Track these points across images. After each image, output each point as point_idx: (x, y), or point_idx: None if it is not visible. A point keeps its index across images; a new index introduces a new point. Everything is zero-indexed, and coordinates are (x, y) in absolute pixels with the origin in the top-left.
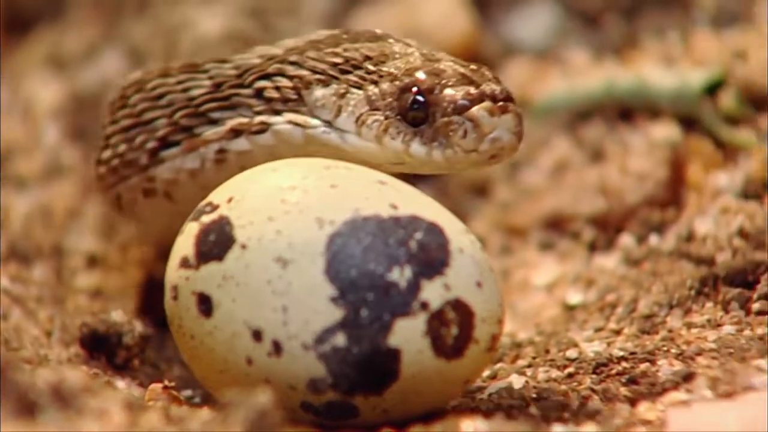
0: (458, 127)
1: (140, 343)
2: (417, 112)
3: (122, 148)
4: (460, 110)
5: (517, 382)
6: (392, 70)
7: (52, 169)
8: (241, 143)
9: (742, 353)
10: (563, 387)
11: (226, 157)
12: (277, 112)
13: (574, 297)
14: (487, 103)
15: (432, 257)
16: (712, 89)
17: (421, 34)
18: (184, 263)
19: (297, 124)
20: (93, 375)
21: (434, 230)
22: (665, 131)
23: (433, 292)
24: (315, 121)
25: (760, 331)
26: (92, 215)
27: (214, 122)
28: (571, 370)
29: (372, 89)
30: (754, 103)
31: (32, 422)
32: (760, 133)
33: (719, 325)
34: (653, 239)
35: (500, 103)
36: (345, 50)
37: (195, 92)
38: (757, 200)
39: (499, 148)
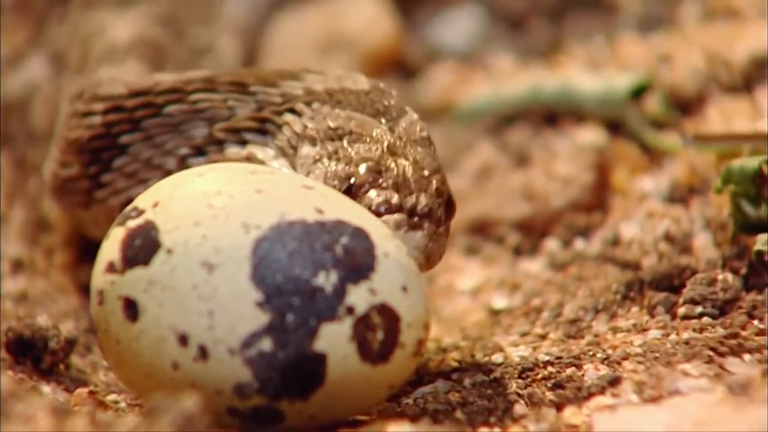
0: None
1: (66, 348)
2: None
3: (147, 153)
4: (375, 215)
5: (442, 386)
6: (353, 153)
7: None
8: None
9: (667, 358)
10: (489, 391)
11: None
12: (283, 153)
13: (500, 301)
14: (398, 216)
15: (358, 262)
16: (638, 93)
17: (345, 39)
18: (110, 268)
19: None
20: (19, 380)
21: (360, 235)
22: (591, 135)
23: (358, 297)
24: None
25: (685, 335)
26: (18, 220)
27: (244, 143)
28: (496, 374)
29: (332, 166)
30: (680, 107)
31: None
32: (686, 137)
33: (645, 330)
34: (579, 244)
35: (415, 219)
36: (343, 117)
37: (239, 111)
38: (682, 204)
39: None
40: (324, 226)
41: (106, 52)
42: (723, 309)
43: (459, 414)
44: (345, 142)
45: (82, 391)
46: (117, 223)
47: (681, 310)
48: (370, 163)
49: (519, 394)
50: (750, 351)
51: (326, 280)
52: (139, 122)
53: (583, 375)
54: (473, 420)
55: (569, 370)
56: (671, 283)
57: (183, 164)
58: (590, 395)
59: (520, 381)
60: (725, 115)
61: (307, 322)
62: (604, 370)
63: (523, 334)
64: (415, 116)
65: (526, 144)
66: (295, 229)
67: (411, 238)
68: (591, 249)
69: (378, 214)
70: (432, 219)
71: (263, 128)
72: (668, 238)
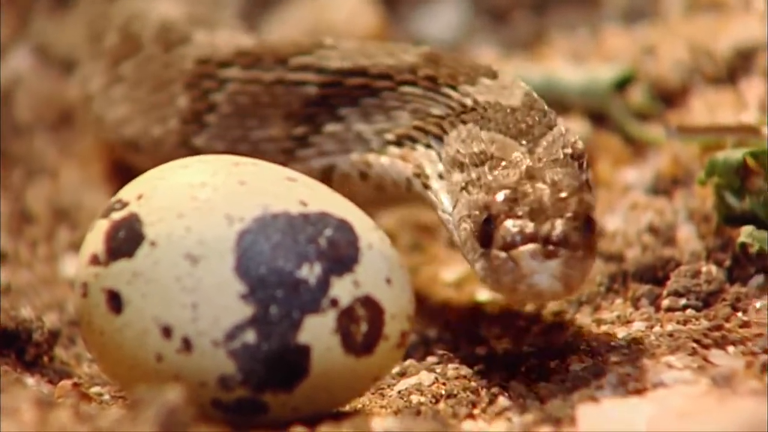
0: (503, 263)
1: (50, 340)
2: (484, 233)
3: (360, 127)
4: (509, 246)
5: (426, 378)
6: (491, 179)
7: None
8: None
9: (651, 350)
10: (473, 384)
11: None
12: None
13: (484, 294)
14: (532, 246)
15: (341, 254)
16: (622, 85)
17: (331, 31)
18: (94, 260)
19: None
20: (2, 372)
21: (344, 227)
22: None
23: (342, 289)
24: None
25: (669, 327)
26: (1, 212)
27: (427, 146)
28: (480, 367)
29: (474, 194)
30: (664, 98)
31: None
32: (670, 128)
33: (629, 322)
34: None
35: (549, 247)
36: (486, 140)
37: (433, 110)
38: (666, 196)
39: (536, 292)
40: (308, 219)
41: (165, 28)
42: (707, 301)
43: (443, 406)
44: (486, 168)
45: (66, 383)
46: (101, 215)
47: (665, 302)
48: (507, 191)
49: (503, 387)
50: (734, 343)
51: (310, 272)
52: (357, 99)
53: (566, 367)
54: (457, 413)
55: (553, 363)
56: (655, 275)
57: (383, 148)
58: (574, 387)
59: (504, 373)
60: (709, 107)
61: (291, 314)
62: (588, 362)
63: (507, 327)
64: (562, 130)
65: None
66: (279, 221)
67: (547, 267)
68: None
69: (514, 245)
70: (568, 245)
71: (440, 136)
72: (652, 229)
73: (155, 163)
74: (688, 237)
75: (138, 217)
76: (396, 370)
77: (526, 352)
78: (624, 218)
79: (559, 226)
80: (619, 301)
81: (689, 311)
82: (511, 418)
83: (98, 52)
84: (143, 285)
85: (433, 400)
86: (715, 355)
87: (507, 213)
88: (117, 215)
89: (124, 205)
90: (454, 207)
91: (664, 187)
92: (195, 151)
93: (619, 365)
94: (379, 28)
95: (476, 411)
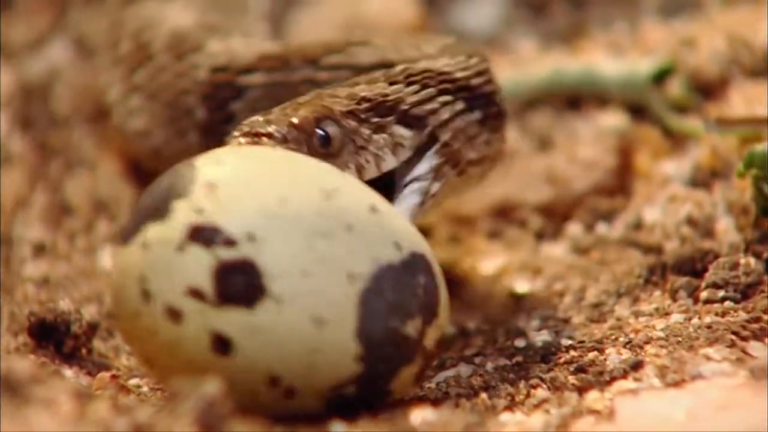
0: None
1: (88, 332)
2: None
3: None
4: None
5: (465, 371)
6: None
7: (0, 158)
8: None
9: (690, 342)
10: (511, 376)
11: None
12: None
13: (522, 286)
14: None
15: (432, 302)
16: (661, 77)
17: (367, 23)
18: (196, 295)
19: None
20: (41, 364)
21: (429, 268)
22: (613, 119)
23: (431, 336)
24: None
25: (708, 319)
26: (40, 204)
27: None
28: (519, 359)
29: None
30: (702, 91)
31: None
32: (708, 121)
33: (667, 314)
34: (601, 228)
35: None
36: None
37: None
38: (705, 188)
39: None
40: (407, 268)
41: (176, 37)
42: (745, 293)
43: (481, 398)
44: None
45: (105, 375)
46: (190, 236)
47: (703, 294)
48: None
49: (541, 378)
50: None
51: (413, 327)
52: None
53: (605, 359)
54: (495, 405)
55: (591, 354)
56: (693, 267)
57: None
58: (612, 379)
59: (542, 365)
60: (748, 99)
61: (392, 368)
62: (626, 355)
63: (546, 318)
64: None
65: (548, 128)
66: (389, 275)
67: None
68: (614, 233)
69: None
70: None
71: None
72: (691, 222)
73: None
74: (726, 229)
75: (256, 267)
76: (435, 362)
77: (565, 344)
78: (663, 210)
79: (271, 120)
80: (657, 293)
81: (727, 303)
82: (549, 411)
83: (115, 59)
84: (260, 337)
85: (472, 392)
86: (753, 347)
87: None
88: (227, 255)
89: (232, 243)
90: None
91: (702, 180)
92: None
93: (657, 357)
94: (419, 20)
95: (514, 403)
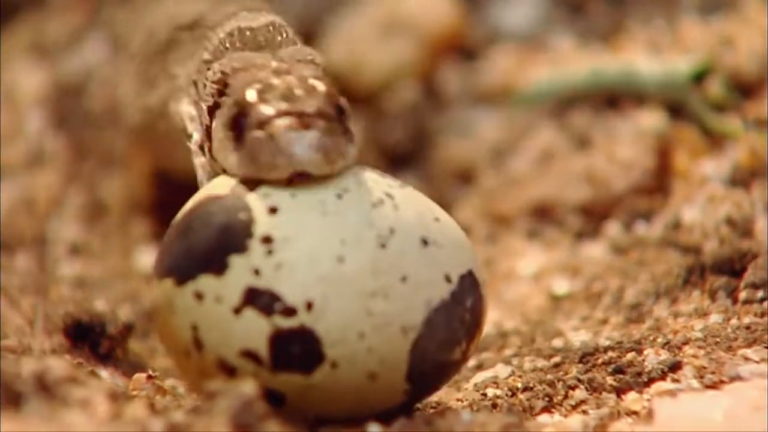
0: (259, 141)
1: (123, 333)
2: (237, 128)
3: None
4: (263, 124)
5: (503, 371)
6: (237, 83)
7: (34, 157)
8: None
9: (728, 342)
10: (549, 377)
11: None
12: None
13: (561, 286)
14: (287, 119)
15: (477, 318)
16: (699, 77)
17: (405, 22)
18: (250, 356)
19: None
20: (77, 365)
21: (476, 287)
22: (652, 119)
23: (472, 349)
24: None
25: (746, 320)
26: (75, 204)
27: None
28: (557, 359)
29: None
30: (741, 90)
31: (17, 413)
32: (747, 120)
33: (706, 314)
34: (640, 227)
35: (305, 119)
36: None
37: None
38: (744, 188)
39: (296, 164)
40: (456, 298)
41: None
42: None
43: (519, 399)
44: (232, 79)
45: (141, 375)
46: (246, 301)
47: (742, 295)
48: (256, 85)
49: (579, 379)
50: None
51: (460, 352)
52: None
53: (643, 360)
54: (533, 405)
55: (630, 355)
56: (732, 267)
57: None
58: (651, 380)
59: (580, 366)
60: None
61: (436, 387)
62: (664, 355)
63: (584, 319)
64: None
65: (587, 127)
66: (440, 315)
67: (304, 137)
68: (652, 233)
69: (269, 122)
70: (323, 117)
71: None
72: (729, 221)
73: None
74: (765, 229)
75: (315, 335)
76: (472, 362)
77: (603, 344)
78: (702, 210)
79: (311, 101)
80: (696, 293)
81: (766, 303)
82: (587, 411)
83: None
84: (315, 393)
85: (509, 393)
86: None
87: (258, 102)
88: (284, 324)
89: (290, 311)
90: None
91: (741, 179)
92: None
93: (695, 358)
94: (457, 19)
95: (552, 404)
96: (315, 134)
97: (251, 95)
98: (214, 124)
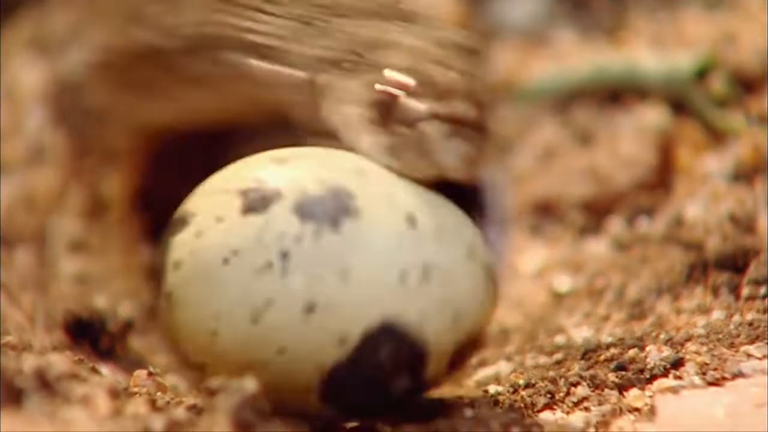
0: (407, 139)
1: (124, 330)
2: (382, 112)
3: None
4: (411, 123)
5: (505, 368)
6: (381, 61)
7: (35, 153)
8: None
9: (731, 339)
10: (551, 373)
11: None
12: None
13: (563, 282)
14: (438, 123)
15: (411, 361)
16: (702, 72)
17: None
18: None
19: None
20: (77, 361)
21: (398, 336)
22: (655, 115)
23: (436, 373)
24: None
25: (749, 316)
26: (75, 200)
27: None
28: (559, 356)
29: (360, 79)
30: (744, 86)
31: (18, 409)
32: (750, 116)
33: (709, 311)
34: (642, 224)
35: (454, 126)
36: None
37: None
38: (746, 184)
39: (440, 168)
40: (358, 357)
41: None
42: None
43: (521, 396)
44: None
45: (141, 372)
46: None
47: (745, 291)
48: (401, 71)
49: (581, 376)
50: None
51: (401, 386)
52: None
53: (645, 357)
54: (535, 402)
55: (632, 352)
56: (735, 263)
57: None
58: (653, 377)
59: (582, 363)
60: None
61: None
62: (667, 352)
63: (586, 315)
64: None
65: (590, 123)
66: (342, 373)
67: (452, 145)
68: (655, 229)
69: (417, 121)
70: (469, 124)
71: None
72: (732, 218)
73: None
74: None
75: None
76: (474, 360)
77: (605, 341)
78: (704, 207)
79: (460, 105)
80: (699, 289)
81: None
82: (590, 408)
83: None
84: None
85: (511, 390)
86: None
87: (410, 95)
88: None
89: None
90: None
91: (744, 175)
92: None
93: (698, 355)
94: (459, 13)
95: (554, 401)
96: (462, 142)
97: (396, 84)
98: (340, 84)
